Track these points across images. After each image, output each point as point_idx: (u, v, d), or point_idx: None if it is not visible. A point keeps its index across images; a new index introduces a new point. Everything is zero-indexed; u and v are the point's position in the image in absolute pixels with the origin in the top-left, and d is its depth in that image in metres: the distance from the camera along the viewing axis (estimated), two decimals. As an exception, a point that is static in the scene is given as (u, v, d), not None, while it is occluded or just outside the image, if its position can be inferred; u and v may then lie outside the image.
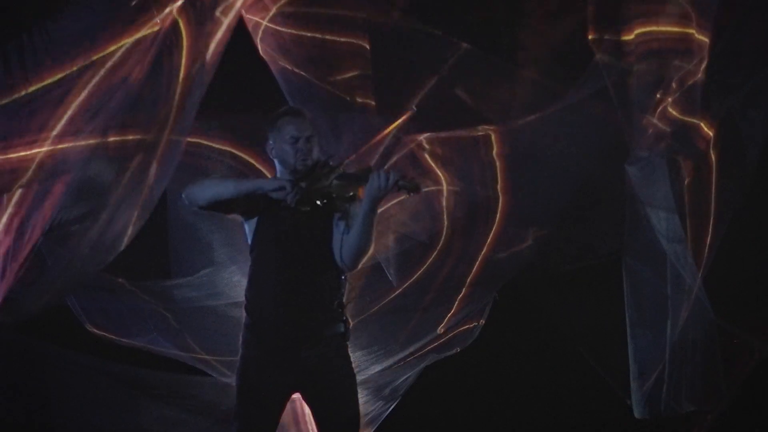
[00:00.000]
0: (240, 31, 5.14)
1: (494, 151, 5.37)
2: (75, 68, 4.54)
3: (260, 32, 5.28)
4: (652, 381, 5.35)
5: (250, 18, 5.24)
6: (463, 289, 5.56)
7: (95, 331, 5.36)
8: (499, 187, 5.41)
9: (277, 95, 5.40)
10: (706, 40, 5.13)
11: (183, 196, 4.46)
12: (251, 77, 5.55)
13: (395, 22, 5.30)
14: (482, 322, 5.68)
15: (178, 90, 4.75)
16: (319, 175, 4.32)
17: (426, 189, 5.28)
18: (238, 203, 4.38)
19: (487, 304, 5.71)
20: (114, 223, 4.85)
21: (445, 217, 5.45)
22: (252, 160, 5.51)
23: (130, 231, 4.92)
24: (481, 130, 5.36)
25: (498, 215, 5.46)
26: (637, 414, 5.44)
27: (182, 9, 4.67)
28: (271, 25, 5.25)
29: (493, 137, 5.36)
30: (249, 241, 4.46)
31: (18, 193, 4.63)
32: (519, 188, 5.44)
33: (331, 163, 4.38)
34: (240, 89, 5.58)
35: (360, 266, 4.43)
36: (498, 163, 5.39)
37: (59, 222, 4.69)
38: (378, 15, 5.28)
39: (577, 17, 5.29)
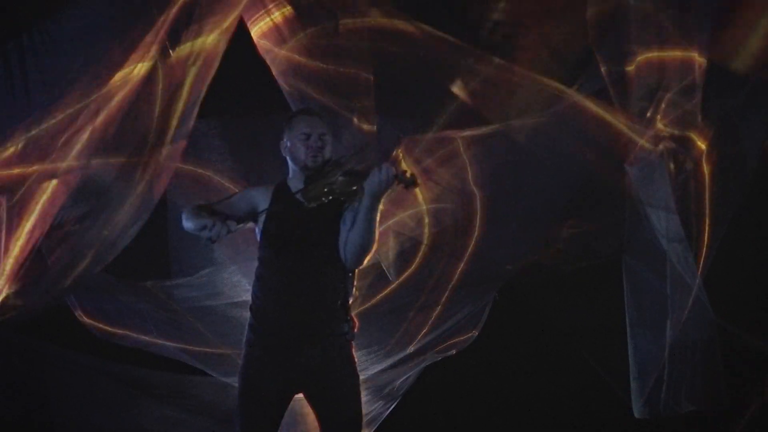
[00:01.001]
0: (240, 31, 5.14)
1: (491, 151, 5.38)
2: (80, 105, 4.58)
3: (276, 62, 5.33)
4: (652, 381, 5.35)
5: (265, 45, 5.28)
6: (459, 289, 5.57)
7: (89, 321, 5.36)
8: (495, 188, 5.42)
9: (277, 96, 5.40)
10: (706, 40, 5.13)
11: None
12: (251, 78, 5.55)
13: (400, 49, 5.33)
14: (475, 333, 5.68)
15: (176, 95, 4.76)
16: (327, 172, 4.34)
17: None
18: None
19: (486, 305, 5.70)
20: (114, 223, 4.85)
21: (430, 216, 5.46)
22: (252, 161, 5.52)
23: (130, 231, 4.93)
24: (479, 130, 5.36)
25: (496, 215, 5.47)
26: (637, 414, 5.44)
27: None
28: (286, 53, 5.30)
29: (490, 137, 5.37)
30: (258, 241, 4.47)
31: (19, 193, 4.64)
32: (516, 189, 5.44)
33: (339, 161, 4.40)
34: (240, 89, 5.59)
35: (364, 264, 4.42)
36: (495, 164, 5.40)
37: (59, 222, 4.69)
38: (384, 44, 5.31)
39: (577, 17, 5.29)
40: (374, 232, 4.28)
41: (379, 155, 5.22)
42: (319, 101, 5.30)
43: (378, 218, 4.28)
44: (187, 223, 4.34)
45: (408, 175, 4.24)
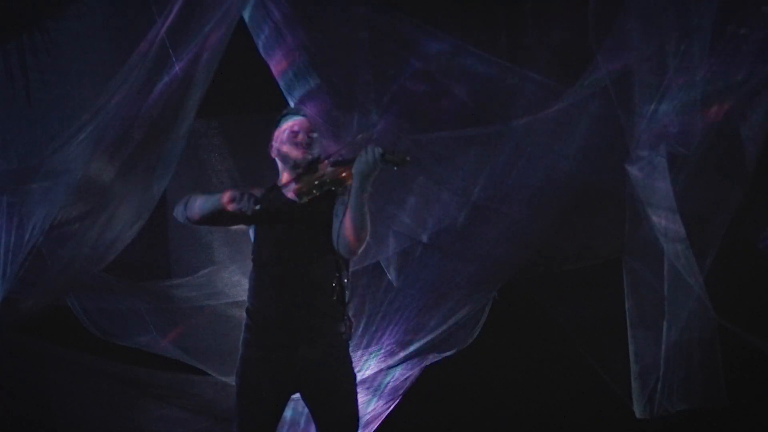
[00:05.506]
0: (240, 31, 5.14)
1: (491, 151, 5.38)
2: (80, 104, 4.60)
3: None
4: (652, 381, 5.34)
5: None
6: (459, 289, 5.57)
7: (89, 321, 5.36)
8: (495, 187, 5.42)
9: (277, 96, 5.41)
10: (706, 39, 5.13)
11: (174, 215, 4.47)
12: (251, 77, 5.56)
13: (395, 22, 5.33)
14: (474, 334, 5.69)
15: (176, 94, 4.76)
16: (316, 167, 4.35)
17: (425, 186, 5.31)
18: (222, 218, 4.39)
19: (487, 304, 5.71)
20: (114, 223, 4.85)
21: (429, 215, 5.47)
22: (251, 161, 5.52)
23: (130, 231, 4.93)
24: (480, 130, 5.37)
25: (496, 215, 5.47)
26: (638, 414, 5.44)
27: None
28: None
29: (489, 137, 5.37)
30: (252, 242, 4.47)
31: (20, 192, 4.64)
32: (516, 189, 5.44)
33: (328, 156, 4.41)
34: (240, 89, 5.59)
35: (358, 254, 4.39)
36: (495, 164, 5.40)
37: (59, 222, 4.69)
38: (384, 43, 5.32)
39: (578, 17, 5.29)
40: (365, 216, 4.25)
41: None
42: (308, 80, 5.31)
43: (367, 202, 4.23)
44: (202, 204, 4.34)
45: (396, 153, 4.21)
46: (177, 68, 4.74)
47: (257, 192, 4.47)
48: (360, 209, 4.24)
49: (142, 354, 5.49)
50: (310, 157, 4.42)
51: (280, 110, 4.69)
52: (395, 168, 4.23)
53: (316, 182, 4.29)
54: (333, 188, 4.32)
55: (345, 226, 4.28)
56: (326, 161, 4.37)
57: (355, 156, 4.28)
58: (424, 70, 5.36)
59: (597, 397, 5.84)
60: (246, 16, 5.24)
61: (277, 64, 5.36)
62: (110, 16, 4.66)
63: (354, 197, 4.23)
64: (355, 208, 4.24)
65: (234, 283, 5.45)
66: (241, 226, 4.49)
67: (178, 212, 4.51)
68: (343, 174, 4.27)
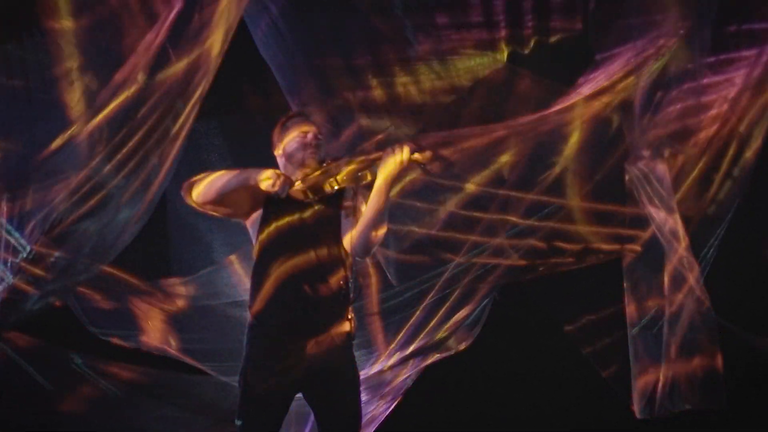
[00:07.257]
0: (240, 31, 5.15)
1: (495, 150, 5.38)
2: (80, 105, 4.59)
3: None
4: (652, 381, 5.35)
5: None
6: (459, 288, 5.57)
7: (90, 322, 5.37)
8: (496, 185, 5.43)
9: (277, 96, 5.41)
10: (706, 38, 5.14)
11: (192, 196, 4.37)
12: (251, 77, 5.56)
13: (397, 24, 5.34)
14: (475, 333, 5.69)
15: (176, 95, 4.76)
16: (329, 167, 4.32)
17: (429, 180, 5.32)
18: (237, 201, 4.36)
19: (487, 304, 5.71)
20: (114, 223, 4.85)
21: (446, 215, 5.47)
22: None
23: (130, 231, 4.93)
24: (480, 129, 5.37)
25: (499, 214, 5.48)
26: (638, 414, 5.44)
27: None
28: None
29: (493, 137, 5.37)
30: (253, 242, 4.45)
31: (20, 193, 4.64)
32: (516, 188, 5.44)
33: (337, 157, 4.39)
34: (240, 89, 5.59)
35: (371, 254, 4.34)
36: (500, 162, 5.40)
37: (59, 222, 4.70)
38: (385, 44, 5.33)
39: (578, 17, 5.30)
40: (386, 216, 4.24)
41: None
42: (309, 80, 5.31)
43: (389, 202, 4.21)
44: (230, 178, 4.26)
45: (427, 154, 4.17)
46: (178, 68, 4.74)
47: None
48: (382, 209, 4.22)
49: (142, 354, 5.49)
50: (318, 158, 4.42)
51: (280, 110, 4.68)
52: (424, 168, 4.21)
53: (330, 180, 4.25)
54: (346, 187, 4.29)
55: (365, 226, 4.26)
56: (339, 160, 4.33)
57: (370, 156, 4.26)
58: (424, 69, 5.36)
59: (597, 397, 5.84)
60: (246, 15, 5.24)
61: (276, 64, 5.36)
62: (110, 16, 4.66)
63: (377, 197, 4.21)
64: (376, 207, 4.22)
65: (234, 283, 5.45)
66: (239, 220, 4.46)
67: (195, 189, 4.34)
68: (360, 173, 4.23)
